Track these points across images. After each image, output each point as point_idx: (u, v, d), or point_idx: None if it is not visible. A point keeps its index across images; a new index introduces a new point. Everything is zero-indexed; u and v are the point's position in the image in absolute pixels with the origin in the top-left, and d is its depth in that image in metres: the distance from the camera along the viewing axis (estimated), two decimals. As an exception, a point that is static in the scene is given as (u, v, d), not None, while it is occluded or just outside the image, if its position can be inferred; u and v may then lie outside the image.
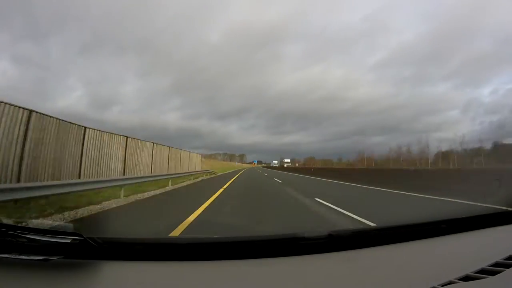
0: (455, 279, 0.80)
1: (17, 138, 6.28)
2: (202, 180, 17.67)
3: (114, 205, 6.30)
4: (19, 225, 0.89)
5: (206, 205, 6.16)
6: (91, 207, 5.85)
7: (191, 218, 4.57)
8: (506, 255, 0.95)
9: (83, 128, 9.06)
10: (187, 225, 3.96)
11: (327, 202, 6.68)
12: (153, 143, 15.00)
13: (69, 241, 0.86)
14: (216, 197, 7.77)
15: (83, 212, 5.33)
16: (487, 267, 0.87)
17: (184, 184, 13.53)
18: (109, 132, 10.70)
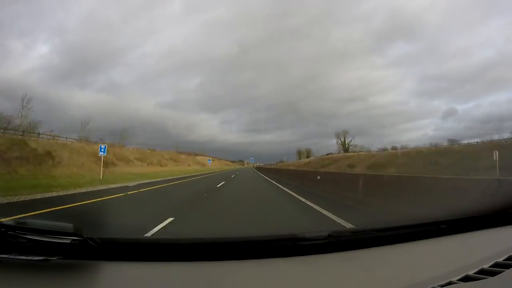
0: (454, 279, 0.80)
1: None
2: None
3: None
4: (19, 225, 0.88)
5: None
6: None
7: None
8: (506, 255, 0.95)
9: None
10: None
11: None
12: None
13: (68, 241, 0.86)
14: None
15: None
16: (487, 268, 0.87)
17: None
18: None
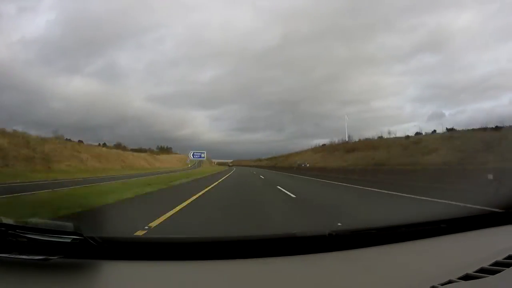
0: (455, 278, 0.80)
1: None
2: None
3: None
4: (19, 224, 0.88)
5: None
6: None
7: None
8: (506, 254, 0.95)
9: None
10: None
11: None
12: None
13: (69, 240, 0.86)
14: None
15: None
16: (487, 267, 0.87)
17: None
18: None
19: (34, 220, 0.91)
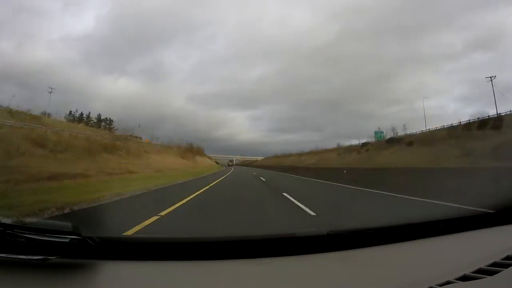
0: (453, 279, 0.80)
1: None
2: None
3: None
4: (17, 224, 0.88)
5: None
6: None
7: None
8: (504, 255, 0.95)
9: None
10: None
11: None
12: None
13: (67, 240, 0.85)
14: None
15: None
16: (485, 267, 0.87)
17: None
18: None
19: (32, 220, 0.91)
